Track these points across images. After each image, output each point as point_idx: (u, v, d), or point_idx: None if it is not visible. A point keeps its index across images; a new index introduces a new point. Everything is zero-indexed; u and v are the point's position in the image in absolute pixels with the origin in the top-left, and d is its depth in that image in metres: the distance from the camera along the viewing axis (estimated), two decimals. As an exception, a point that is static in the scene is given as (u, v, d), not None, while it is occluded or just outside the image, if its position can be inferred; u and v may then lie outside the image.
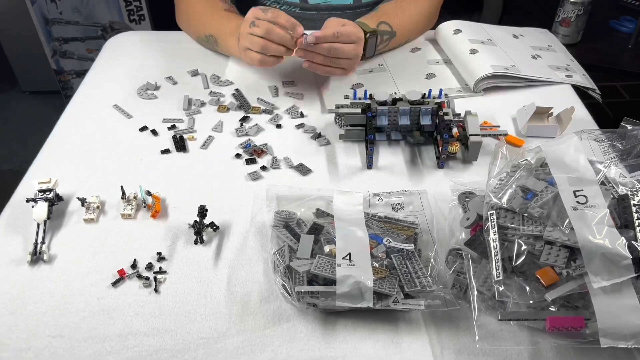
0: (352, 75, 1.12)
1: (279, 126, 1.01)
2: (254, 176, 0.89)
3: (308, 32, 0.97)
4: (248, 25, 0.96)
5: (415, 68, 1.16)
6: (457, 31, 1.18)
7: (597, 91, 1.10)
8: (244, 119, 1.01)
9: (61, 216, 0.83)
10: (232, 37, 1.06)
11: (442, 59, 1.19)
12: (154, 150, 0.95)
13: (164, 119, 1.02)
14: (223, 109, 1.05)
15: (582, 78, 1.12)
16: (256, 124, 1.01)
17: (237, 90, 1.10)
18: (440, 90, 0.95)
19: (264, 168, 0.91)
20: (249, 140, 0.97)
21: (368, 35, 1.07)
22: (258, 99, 1.07)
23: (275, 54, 0.97)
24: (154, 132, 0.99)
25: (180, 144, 0.95)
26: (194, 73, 1.15)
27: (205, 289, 0.72)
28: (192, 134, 0.98)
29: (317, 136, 0.97)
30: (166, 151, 0.94)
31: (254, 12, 0.97)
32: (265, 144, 0.95)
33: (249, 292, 0.72)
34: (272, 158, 0.93)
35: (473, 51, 1.12)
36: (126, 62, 1.20)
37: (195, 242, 0.78)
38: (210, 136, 0.98)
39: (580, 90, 1.10)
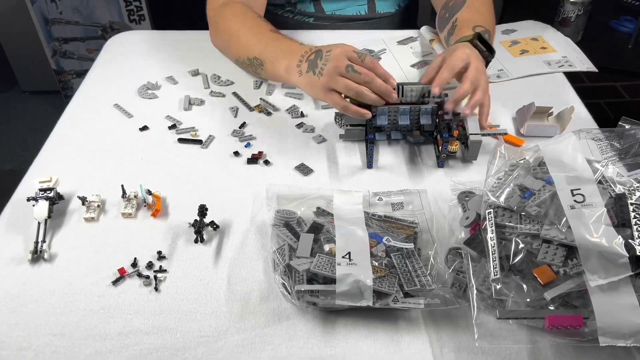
0: None
1: (269, 114, 1.04)
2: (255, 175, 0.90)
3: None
4: (342, 67, 0.87)
5: (403, 61, 1.18)
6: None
7: (593, 68, 1.13)
8: (242, 125, 1.01)
9: (62, 215, 0.83)
10: (284, 60, 0.97)
11: (430, 52, 1.22)
12: (154, 149, 0.95)
13: (166, 116, 1.02)
14: (260, 108, 1.05)
15: (570, 65, 1.15)
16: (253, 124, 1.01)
17: (234, 93, 1.10)
18: None
19: (267, 162, 0.92)
20: (250, 136, 0.98)
21: (474, 39, 0.99)
22: (261, 99, 1.08)
23: (366, 102, 0.90)
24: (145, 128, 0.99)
25: (191, 140, 0.97)
26: (195, 73, 1.15)
27: (206, 287, 0.73)
28: (194, 132, 0.99)
29: (311, 129, 0.99)
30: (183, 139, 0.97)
31: (348, 53, 0.88)
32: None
33: (249, 291, 0.72)
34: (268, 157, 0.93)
35: None
36: (126, 62, 1.20)
37: (196, 241, 0.78)
38: (210, 135, 0.98)
39: (580, 90, 1.10)
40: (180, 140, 0.97)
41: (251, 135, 0.99)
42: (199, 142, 0.97)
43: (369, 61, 0.88)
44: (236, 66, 1.13)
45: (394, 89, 0.90)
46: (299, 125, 1.01)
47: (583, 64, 1.16)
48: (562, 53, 1.19)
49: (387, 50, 1.22)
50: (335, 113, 0.98)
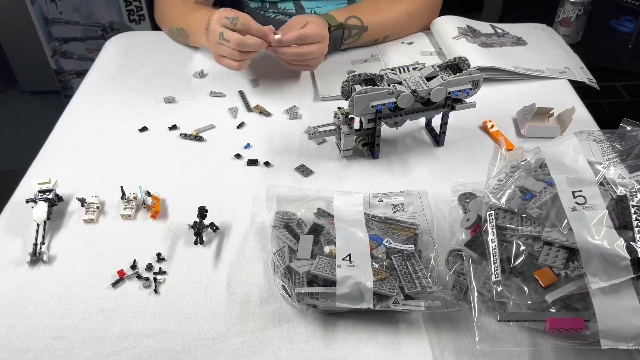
0: (346, 64, 1.16)
1: (268, 114, 1.04)
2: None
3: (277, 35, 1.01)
4: (217, 35, 0.96)
5: (407, 58, 1.17)
6: (459, 35, 1.18)
7: (593, 80, 1.12)
8: (240, 126, 1.01)
9: (61, 217, 0.83)
10: (199, 31, 1.08)
11: (436, 50, 1.21)
12: (153, 150, 0.95)
13: (165, 117, 1.02)
14: (258, 109, 1.05)
15: (576, 73, 1.13)
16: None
17: (240, 91, 1.10)
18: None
19: (267, 164, 0.92)
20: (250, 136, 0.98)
21: (333, 28, 1.10)
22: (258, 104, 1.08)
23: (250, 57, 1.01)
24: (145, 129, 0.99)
25: (195, 137, 0.98)
26: (195, 75, 1.15)
27: (205, 289, 0.72)
28: (195, 131, 0.99)
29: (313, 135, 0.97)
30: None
31: (221, 20, 0.96)
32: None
33: (248, 293, 0.72)
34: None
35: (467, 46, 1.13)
36: (126, 62, 1.20)
37: (195, 243, 0.78)
38: (210, 136, 0.98)
39: (580, 90, 1.10)
40: (183, 136, 0.97)
41: (251, 135, 0.98)
42: (200, 138, 0.97)
43: (241, 25, 0.95)
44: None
45: (274, 34, 0.99)
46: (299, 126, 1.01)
47: (585, 75, 1.14)
48: (565, 64, 1.16)
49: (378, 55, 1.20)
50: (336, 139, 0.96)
